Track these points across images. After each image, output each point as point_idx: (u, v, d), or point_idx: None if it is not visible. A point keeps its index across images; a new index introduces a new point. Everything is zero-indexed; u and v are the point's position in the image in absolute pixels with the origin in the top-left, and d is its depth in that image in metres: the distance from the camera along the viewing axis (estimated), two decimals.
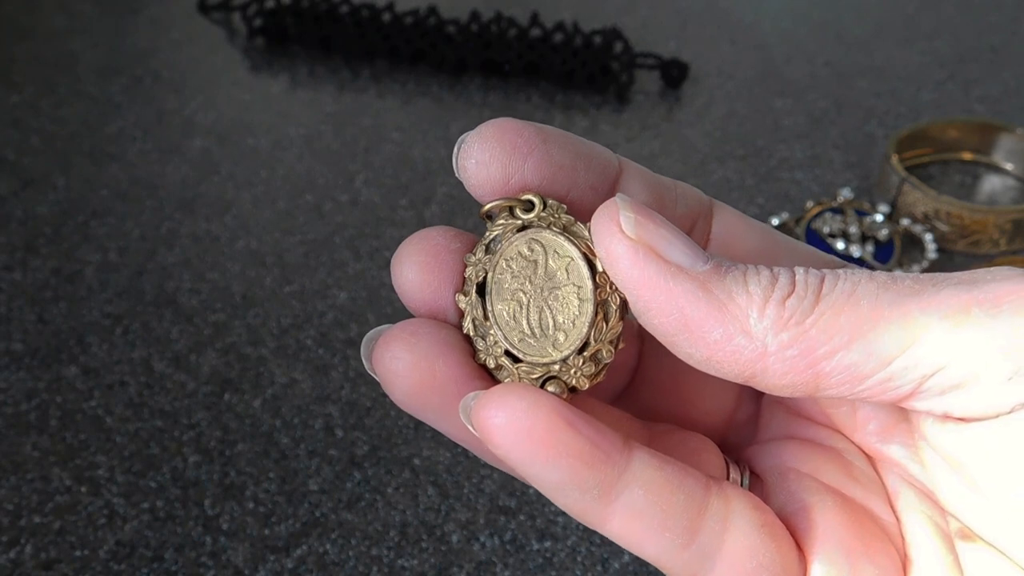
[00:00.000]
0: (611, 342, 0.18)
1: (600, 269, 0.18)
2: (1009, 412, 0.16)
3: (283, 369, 0.42)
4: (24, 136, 0.58)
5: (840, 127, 0.58)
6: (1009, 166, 0.54)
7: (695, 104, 0.60)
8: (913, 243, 0.49)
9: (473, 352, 0.19)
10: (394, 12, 0.64)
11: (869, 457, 0.21)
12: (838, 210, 0.49)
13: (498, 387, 0.17)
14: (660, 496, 0.17)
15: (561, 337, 0.18)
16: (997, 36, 0.68)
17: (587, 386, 0.18)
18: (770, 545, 0.18)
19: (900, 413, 0.20)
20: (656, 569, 0.18)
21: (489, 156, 0.18)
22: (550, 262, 0.18)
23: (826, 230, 0.48)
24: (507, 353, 0.19)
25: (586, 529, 0.36)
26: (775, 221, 0.49)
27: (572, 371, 0.18)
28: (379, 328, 0.19)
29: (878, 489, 0.20)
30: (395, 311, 0.45)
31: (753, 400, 0.23)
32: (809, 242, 0.49)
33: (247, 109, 0.60)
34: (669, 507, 0.17)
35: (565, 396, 0.18)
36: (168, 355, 0.43)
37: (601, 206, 0.17)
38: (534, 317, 0.18)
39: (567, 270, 0.18)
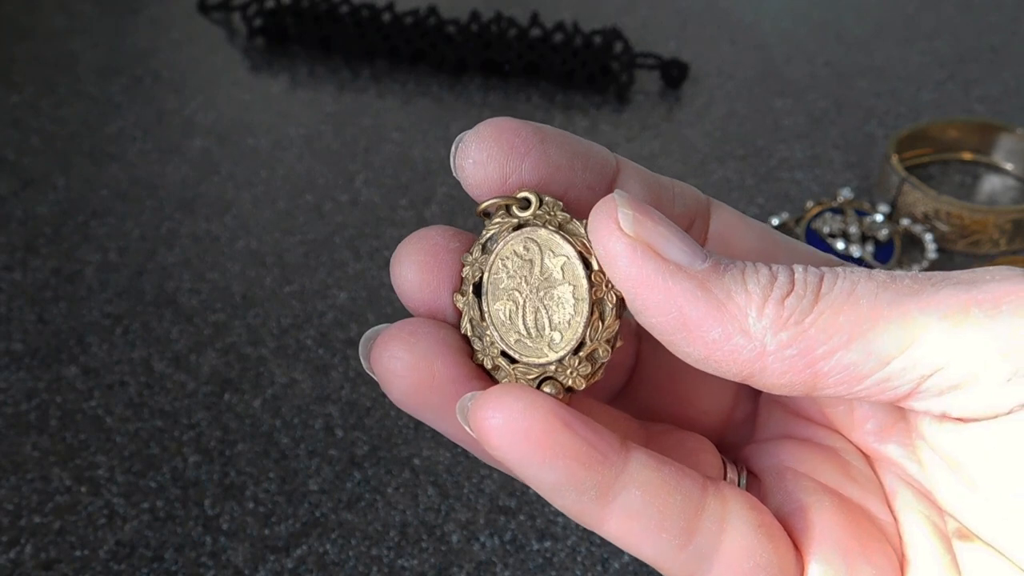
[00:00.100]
0: (607, 341, 0.18)
1: (596, 267, 0.18)
2: (1008, 413, 0.16)
3: (283, 369, 0.42)
4: (24, 136, 0.58)
5: (840, 127, 0.58)
6: (1009, 166, 0.54)
7: (695, 104, 0.60)
8: (913, 243, 0.49)
9: (471, 352, 0.19)
10: (394, 12, 0.64)
11: (867, 456, 0.21)
12: (838, 210, 0.49)
13: (495, 388, 0.17)
14: (657, 497, 0.17)
15: (557, 337, 0.18)
16: (997, 36, 0.68)
17: (584, 386, 0.18)
18: (767, 545, 0.18)
19: (898, 412, 0.20)
20: (656, 570, 0.18)
21: (486, 156, 0.18)
22: (546, 261, 0.18)
23: (826, 230, 0.48)
24: (503, 354, 0.19)
25: (586, 529, 0.36)
26: (775, 221, 0.49)
27: (568, 371, 0.18)
28: (377, 327, 0.19)
29: (875, 489, 0.20)
30: (395, 311, 0.45)
31: (750, 399, 0.23)
32: (809, 242, 0.48)
33: (247, 109, 0.60)
34: (666, 508, 0.17)
35: (562, 396, 0.18)
36: (168, 355, 0.43)
37: (599, 203, 0.17)
38: (530, 317, 0.18)
39: (563, 269, 0.18)
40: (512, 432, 0.16)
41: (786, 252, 0.21)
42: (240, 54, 0.66)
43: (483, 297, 0.19)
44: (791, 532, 0.19)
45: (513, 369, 0.19)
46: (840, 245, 0.48)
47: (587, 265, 0.18)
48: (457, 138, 0.19)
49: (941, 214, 0.47)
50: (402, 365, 0.18)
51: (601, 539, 0.35)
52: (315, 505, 0.37)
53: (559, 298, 0.18)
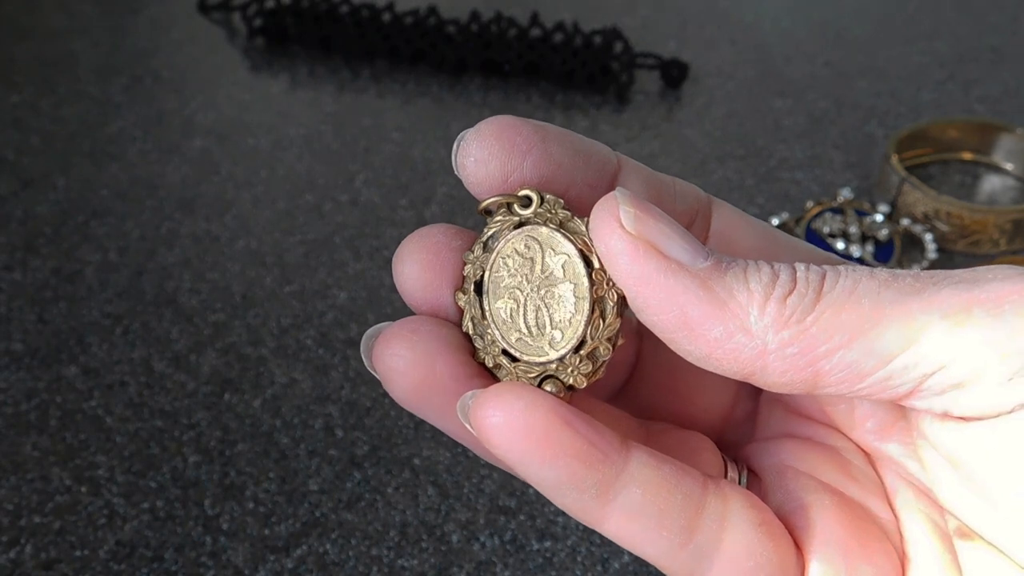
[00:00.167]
0: (608, 339, 0.18)
1: (597, 265, 0.18)
2: (1009, 412, 0.16)
3: (283, 369, 0.42)
4: (24, 136, 0.58)
5: (840, 127, 0.58)
6: (1009, 166, 0.54)
7: (695, 104, 0.60)
8: (913, 243, 0.49)
9: (472, 350, 0.19)
10: (394, 12, 0.64)
11: (867, 455, 0.21)
12: (838, 210, 0.49)
13: (495, 386, 0.17)
14: (658, 496, 0.17)
15: (558, 335, 0.18)
16: (997, 36, 0.68)
17: (585, 384, 0.18)
18: (768, 544, 0.18)
19: (899, 411, 0.20)
20: (657, 569, 0.18)
21: (488, 154, 0.18)
22: (546, 259, 0.18)
23: (826, 230, 0.48)
24: (504, 352, 0.19)
25: (586, 529, 0.36)
26: (775, 221, 0.49)
27: (569, 370, 0.18)
28: (379, 326, 0.19)
29: (876, 487, 0.20)
30: (395, 311, 0.45)
31: (751, 397, 0.23)
32: (809, 242, 0.48)
33: (247, 109, 0.60)
34: (667, 507, 0.17)
35: (563, 395, 0.18)
36: (168, 355, 0.43)
37: (600, 200, 0.17)
38: (531, 315, 0.18)
39: (564, 267, 0.18)
40: (513, 430, 0.16)
41: (788, 250, 0.21)
42: (240, 54, 0.66)
43: (484, 295, 0.19)
44: (792, 531, 0.19)
45: (514, 367, 0.19)
46: (840, 245, 0.48)
47: (588, 263, 0.18)
48: (459, 136, 0.19)
49: (941, 214, 0.47)
50: (404, 363, 0.18)
51: (601, 539, 0.35)
52: (315, 505, 0.37)
53: (560, 296, 0.18)
